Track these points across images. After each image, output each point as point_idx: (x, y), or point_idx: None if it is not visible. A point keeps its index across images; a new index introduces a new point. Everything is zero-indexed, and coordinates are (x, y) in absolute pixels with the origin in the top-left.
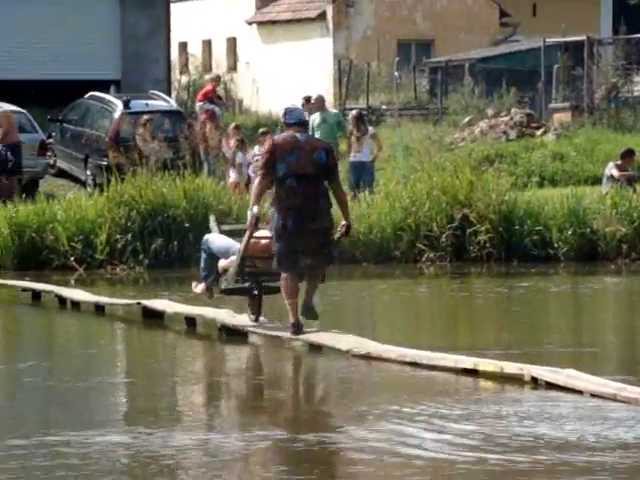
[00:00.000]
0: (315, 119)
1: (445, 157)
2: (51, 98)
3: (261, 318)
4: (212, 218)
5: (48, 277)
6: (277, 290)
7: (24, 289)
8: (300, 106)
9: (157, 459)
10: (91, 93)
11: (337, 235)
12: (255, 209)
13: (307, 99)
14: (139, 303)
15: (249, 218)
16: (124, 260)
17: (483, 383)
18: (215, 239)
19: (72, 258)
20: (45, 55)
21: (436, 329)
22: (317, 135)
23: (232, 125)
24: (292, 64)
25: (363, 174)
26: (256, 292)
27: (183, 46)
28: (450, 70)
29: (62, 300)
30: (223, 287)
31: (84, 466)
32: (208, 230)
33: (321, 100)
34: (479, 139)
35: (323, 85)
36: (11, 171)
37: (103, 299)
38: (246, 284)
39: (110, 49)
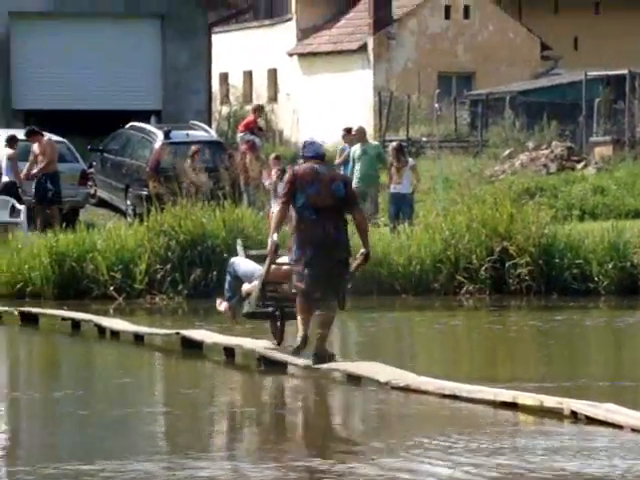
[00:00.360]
0: (355, 151)
1: (485, 190)
2: (92, 128)
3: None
4: (239, 242)
5: (88, 306)
6: None
7: (64, 318)
8: (341, 137)
9: None
10: (132, 123)
11: (356, 263)
12: (275, 236)
13: (348, 130)
14: (178, 333)
15: (269, 245)
16: (163, 290)
17: (522, 417)
18: (241, 263)
19: (111, 287)
20: (87, 85)
21: (475, 362)
22: (358, 167)
23: (272, 155)
24: (332, 95)
25: (403, 206)
26: (278, 317)
27: (224, 77)
28: (491, 103)
29: (101, 329)
30: (245, 311)
31: None
32: (236, 254)
33: (362, 132)
34: (519, 172)
35: (363, 117)
36: (51, 200)
37: (142, 329)
38: (269, 309)
39: (151, 80)
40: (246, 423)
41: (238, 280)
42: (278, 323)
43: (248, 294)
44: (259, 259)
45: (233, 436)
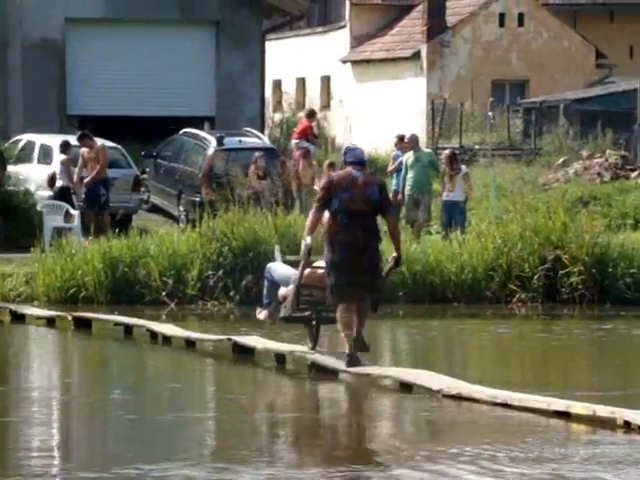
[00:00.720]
0: (408, 158)
1: (538, 198)
2: (145, 134)
3: (318, 348)
4: (277, 248)
5: (140, 311)
6: (333, 320)
7: (116, 323)
8: (393, 145)
9: None
10: (185, 130)
11: (388, 266)
12: (308, 239)
13: (400, 138)
14: (230, 339)
15: (302, 248)
16: (215, 296)
17: (575, 426)
18: (277, 268)
19: (164, 293)
20: (141, 91)
21: (526, 370)
22: (410, 174)
23: (327, 162)
24: (385, 103)
25: (455, 213)
26: (314, 321)
27: (277, 84)
28: (544, 111)
29: (153, 335)
30: (282, 315)
31: None
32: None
33: (414, 139)
34: (573, 180)
35: (416, 124)
36: (103, 206)
37: (194, 334)
38: (305, 313)
39: (205, 86)
40: (292, 429)
41: (275, 285)
42: (313, 327)
43: (284, 298)
44: (296, 264)
45: (278, 442)
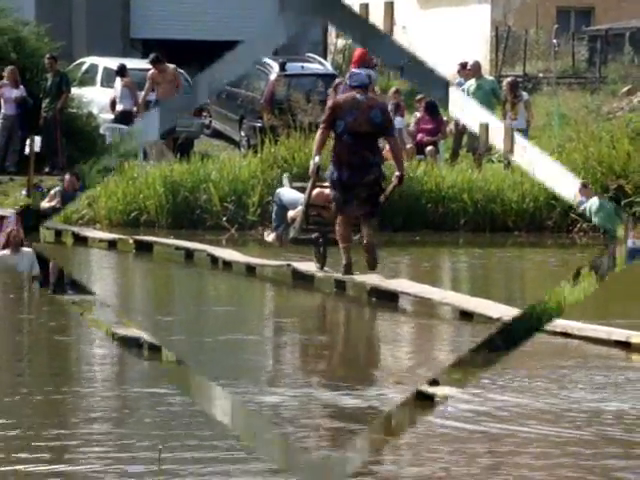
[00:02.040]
0: (470, 86)
1: (602, 127)
2: (208, 58)
3: (326, 268)
4: (285, 175)
5: (200, 236)
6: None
7: (177, 247)
8: (456, 72)
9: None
10: None
11: (392, 185)
12: (317, 159)
13: (463, 65)
14: (289, 265)
15: (311, 167)
16: None
17: (635, 356)
18: (286, 192)
19: (224, 218)
20: (204, 16)
21: (586, 300)
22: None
23: (393, 89)
24: (449, 29)
25: None
26: (321, 243)
27: None
28: (610, 38)
29: (214, 259)
30: (291, 236)
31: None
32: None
33: (477, 66)
34: (638, 109)
35: (480, 51)
36: (171, 131)
37: (254, 260)
38: (312, 235)
39: (268, 11)
40: (339, 352)
41: (284, 208)
42: (321, 248)
43: (293, 220)
44: (304, 190)
45: (321, 364)
